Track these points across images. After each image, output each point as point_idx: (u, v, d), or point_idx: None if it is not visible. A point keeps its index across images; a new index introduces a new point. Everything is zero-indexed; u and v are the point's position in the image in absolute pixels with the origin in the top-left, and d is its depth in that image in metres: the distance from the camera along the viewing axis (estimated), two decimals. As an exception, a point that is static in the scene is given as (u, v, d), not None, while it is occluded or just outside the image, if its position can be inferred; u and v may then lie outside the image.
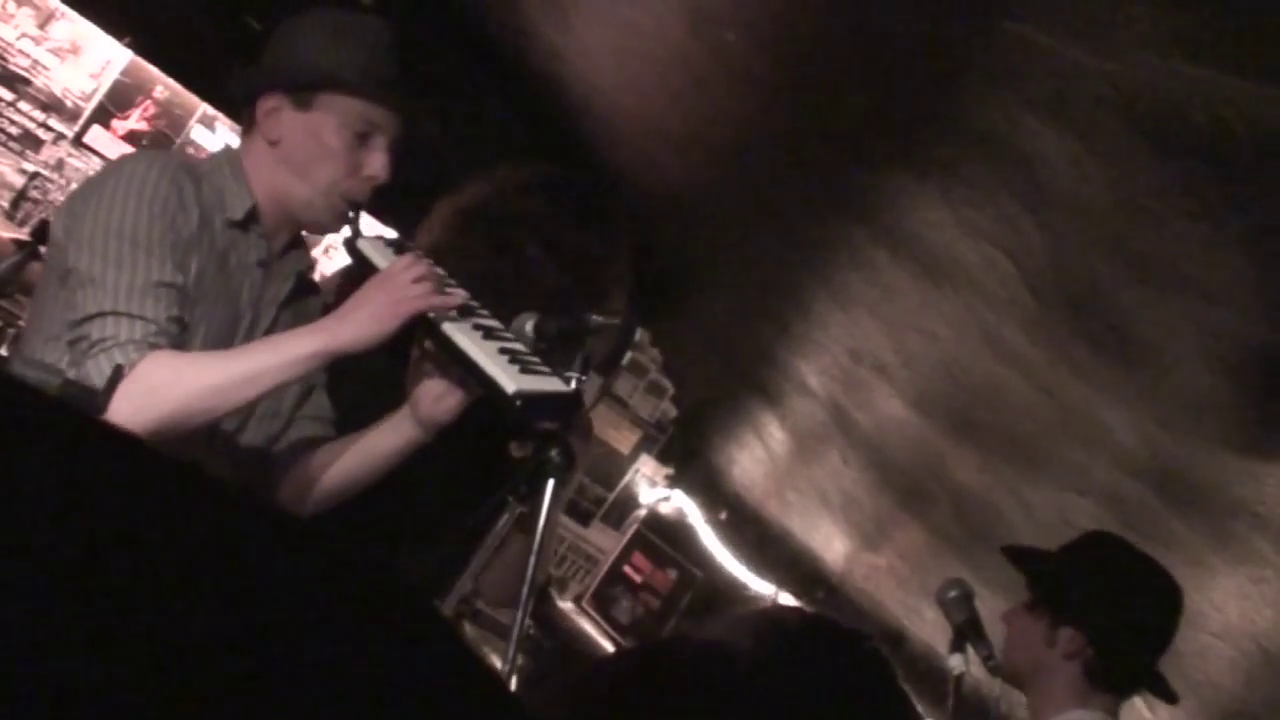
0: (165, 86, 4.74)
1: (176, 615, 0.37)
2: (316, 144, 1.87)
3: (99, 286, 1.72)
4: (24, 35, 4.55)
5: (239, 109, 1.95)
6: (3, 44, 4.53)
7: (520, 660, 1.63)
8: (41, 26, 4.58)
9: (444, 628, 0.47)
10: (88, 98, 4.66)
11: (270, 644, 0.38)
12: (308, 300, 2.07)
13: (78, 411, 0.41)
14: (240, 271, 1.90)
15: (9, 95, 4.58)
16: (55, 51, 4.61)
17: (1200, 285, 2.31)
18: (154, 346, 1.70)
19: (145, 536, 0.37)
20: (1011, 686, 2.47)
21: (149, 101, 4.73)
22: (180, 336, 1.77)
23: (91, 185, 1.84)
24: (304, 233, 2.03)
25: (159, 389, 1.65)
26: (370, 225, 2.27)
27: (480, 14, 4.74)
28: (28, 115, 4.61)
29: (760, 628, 0.84)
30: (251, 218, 1.90)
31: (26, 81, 4.58)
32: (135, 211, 1.75)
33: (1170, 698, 2.32)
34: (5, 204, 4.63)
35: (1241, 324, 2.31)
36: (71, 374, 1.71)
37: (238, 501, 0.41)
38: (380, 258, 1.81)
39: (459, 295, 1.77)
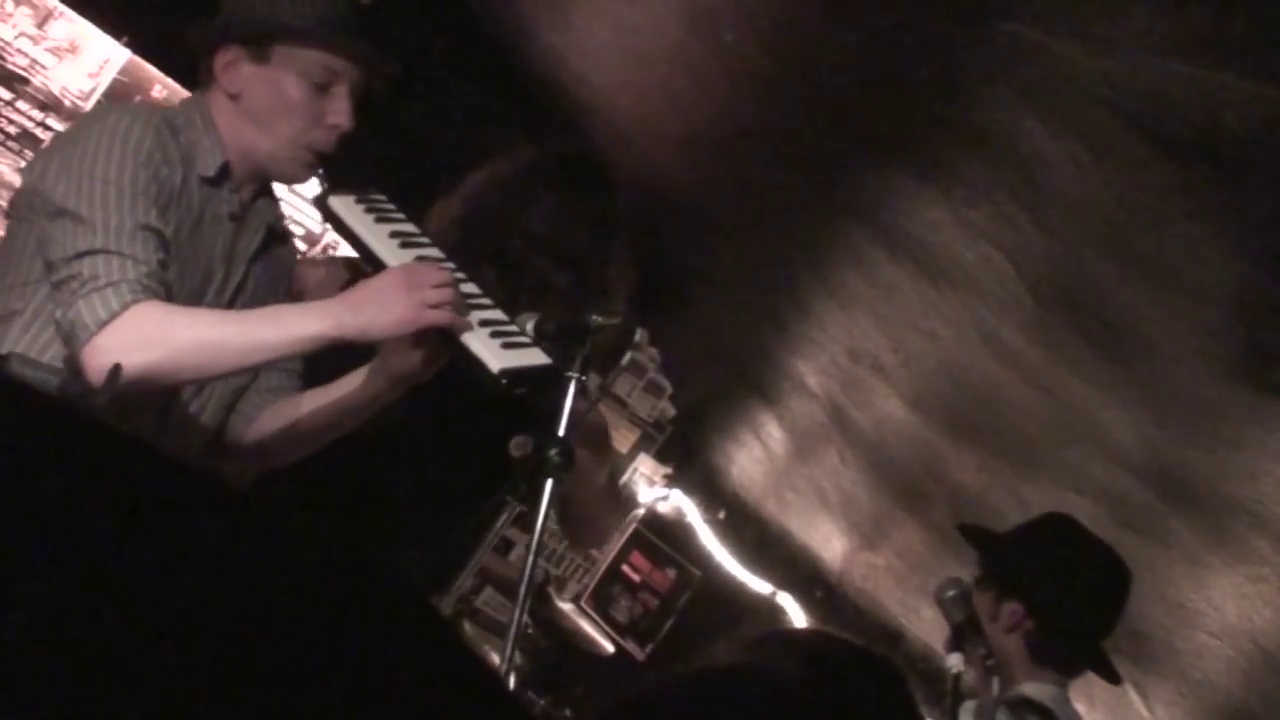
0: (163, 86, 4.74)
1: (176, 615, 0.37)
2: (276, 97, 1.83)
3: (87, 225, 1.67)
4: (22, 34, 4.54)
5: (197, 63, 1.90)
6: (1, 43, 4.52)
7: (518, 659, 1.63)
8: (40, 26, 4.58)
9: (443, 627, 0.47)
10: (86, 97, 4.66)
11: (270, 644, 0.38)
12: (279, 251, 2.03)
13: (77, 412, 0.41)
14: (213, 226, 1.86)
15: (7, 94, 4.57)
16: (53, 50, 4.60)
17: (1199, 285, 2.31)
18: (146, 289, 1.66)
19: (146, 537, 0.37)
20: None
21: (147, 101, 4.73)
22: (168, 280, 1.73)
23: (72, 133, 1.80)
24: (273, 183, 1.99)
25: (151, 338, 1.62)
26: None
27: (479, 13, 4.74)
28: (26, 114, 4.61)
29: (804, 658, 0.84)
30: (224, 173, 1.87)
31: (25, 81, 4.58)
32: (120, 159, 1.72)
33: (1113, 678, 2.37)
34: (4, 203, 4.62)
35: (1240, 324, 2.31)
36: (59, 314, 1.67)
37: (240, 502, 0.41)
38: (359, 223, 1.77)
39: (475, 305, 1.74)
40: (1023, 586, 2.31)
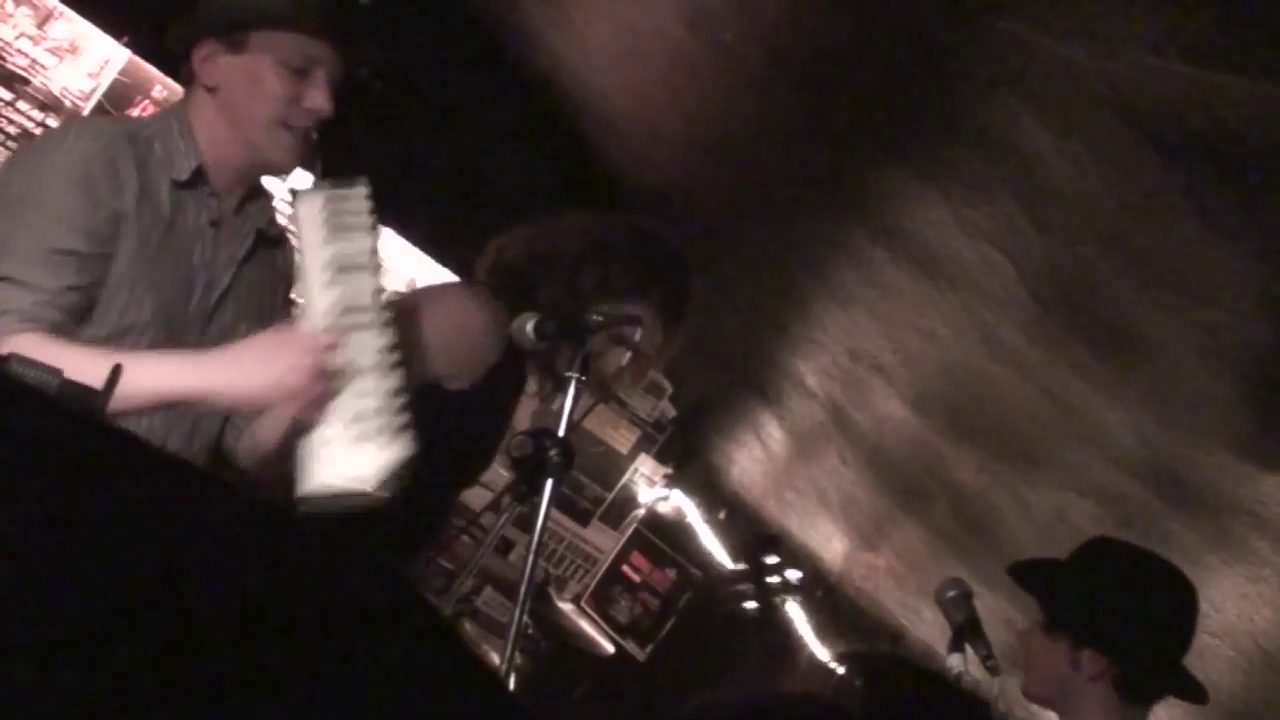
0: (164, 86, 4.73)
1: (175, 615, 0.37)
2: (254, 85, 1.82)
3: (3, 249, 1.68)
4: (22, 35, 4.55)
5: (179, 65, 1.90)
6: (1, 43, 4.52)
7: (519, 659, 1.63)
8: (40, 26, 4.58)
9: (444, 627, 0.47)
10: (86, 97, 4.66)
11: (271, 643, 0.38)
12: (273, 254, 2.02)
13: (76, 412, 0.41)
14: (189, 234, 1.85)
15: (7, 95, 4.57)
16: (54, 51, 4.60)
17: (1199, 285, 2.31)
18: (34, 319, 1.65)
19: (147, 537, 0.37)
20: (1041, 706, 2.44)
21: (147, 101, 4.72)
22: (80, 303, 1.72)
23: (23, 151, 1.81)
24: (264, 181, 1.98)
25: None
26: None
27: (479, 14, 4.73)
28: (26, 115, 4.61)
29: (875, 693, 0.83)
30: (198, 177, 1.85)
31: (25, 81, 4.58)
32: (51, 179, 1.72)
33: (1200, 697, 2.25)
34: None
35: (1241, 324, 2.31)
36: None
37: (239, 501, 0.41)
38: (311, 237, 1.74)
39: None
40: (1099, 632, 2.21)
